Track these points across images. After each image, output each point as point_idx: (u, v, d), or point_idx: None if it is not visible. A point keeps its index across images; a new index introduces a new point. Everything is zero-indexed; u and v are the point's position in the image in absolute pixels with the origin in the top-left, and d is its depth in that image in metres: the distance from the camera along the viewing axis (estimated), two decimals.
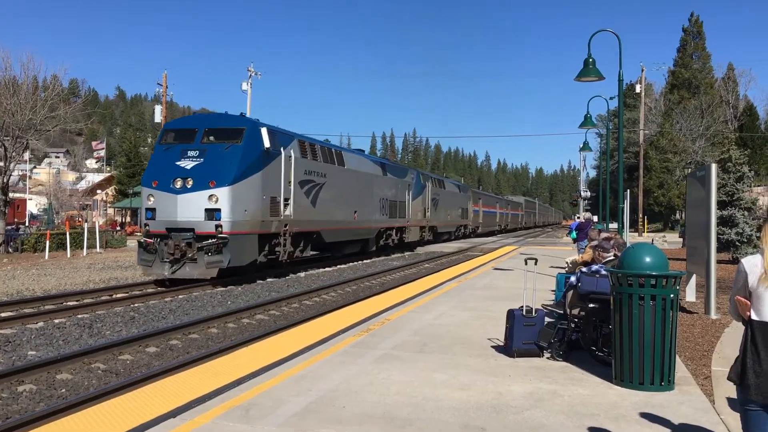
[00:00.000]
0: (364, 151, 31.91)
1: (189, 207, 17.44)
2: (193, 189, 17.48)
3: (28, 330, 11.20)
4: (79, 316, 12.76)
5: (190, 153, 18.05)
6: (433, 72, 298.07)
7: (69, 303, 14.44)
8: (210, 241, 17.21)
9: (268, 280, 19.87)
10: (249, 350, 8.80)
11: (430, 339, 8.64)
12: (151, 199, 17.92)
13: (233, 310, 13.56)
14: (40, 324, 11.82)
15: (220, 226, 17.32)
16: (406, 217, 34.77)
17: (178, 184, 17.60)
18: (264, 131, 19.13)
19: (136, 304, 14.38)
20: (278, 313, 14.21)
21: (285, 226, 20.26)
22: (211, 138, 18.70)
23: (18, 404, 7.38)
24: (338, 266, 25.51)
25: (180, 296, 15.77)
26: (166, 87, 47.59)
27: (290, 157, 20.56)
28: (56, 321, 12.12)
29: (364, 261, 28.69)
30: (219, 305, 14.83)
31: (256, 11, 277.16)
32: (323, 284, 18.73)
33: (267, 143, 19.03)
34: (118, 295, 15.66)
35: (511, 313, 7.73)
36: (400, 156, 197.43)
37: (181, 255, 17.19)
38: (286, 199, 20.28)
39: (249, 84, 44.68)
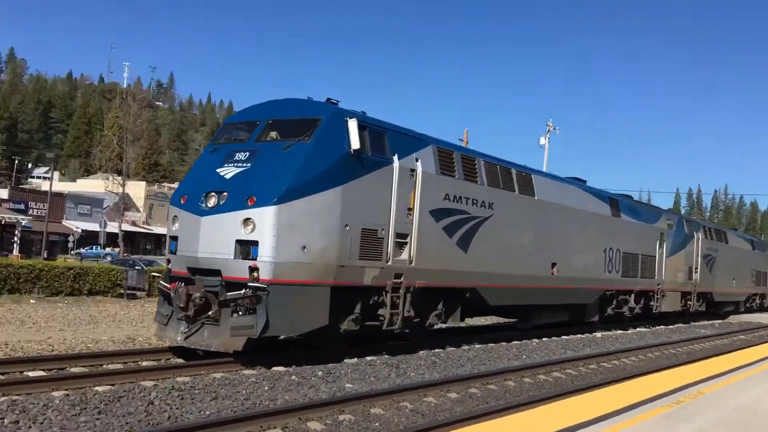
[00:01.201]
0: (585, 181, 22.43)
1: (215, 236, 11.66)
2: (223, 209, 11.68)
3: (345, 365, 12.36)
4: (386, 356, 13.71)
5: (239, 155, 12.34)
6: (749, 123, 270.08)
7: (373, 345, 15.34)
8: (239, 292, 11.35)
9: (369, 358, 13.14)
10: (548, 408, 8.71)
11: (756, 420, 7.74)
12: (176, 223, 12.53)
13: (529, 365, 13.55)
14: (355, 360, 12.97)
15: (256, 269, 11.28)
16: (655, 276, 24.97)
17: (211, 201, 11.90)
18: (352, 124, 12.36)
19: (436, 350, 15.05)
20: (575, 372, 13.86)
21: (398, 278, 13.40)
22: (274, 134, 12.92)
23: (340, 431, 8.19)
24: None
25: (476, 345, 16.15)
26: (467, 143, 49.89)
27: (413, 170, 13.75)
28: (368, 358, 13.19)
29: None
30: (514, 358, 14.91)
31: (554, 63, 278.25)
32: (622, 347, 17.83)
33: (356, 143, 12.28)
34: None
35: None
36: (708, 214, 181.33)
37: (196, 312, 11.59)
38: (402, 236, 13.54)
39: (546, 139, 44.92)
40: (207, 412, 8.38)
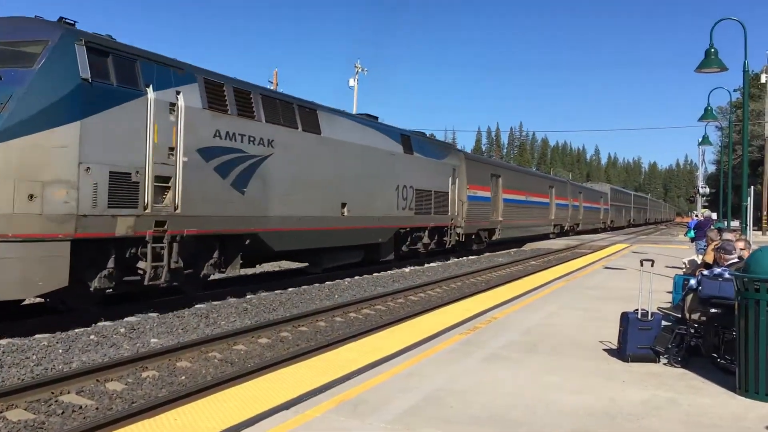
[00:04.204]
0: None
1: None
2: None
3: (150, 318, 11.82)
4: (197, 306, 13.32)
5: None
6: (541, 63, 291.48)
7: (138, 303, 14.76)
8: None
9: (177, 312, 12.22)
10: (356, 345, 8.94)
11: (540, 339, 8.47)
12: None
13: (340, 304, 13.82)
14: (157, 314, 12.43)
15: None
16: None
17: None
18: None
19: (248, 296, 14.89)
20: (384, 308, 14.37)
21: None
22: None
23: (142, 389, 7.83)
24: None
25: (290, 288, 16.18)
26: (277, 85, 49.00)
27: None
28: (176, 311, 12.72)
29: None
30: (326, 298, 15.14)
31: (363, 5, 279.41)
32: (428, 280, 18.76)
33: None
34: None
35: (625, 316, 7.46)
36: (505, 151, 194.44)
37: None
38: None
39: (356, 80, 45.29)
40: None
